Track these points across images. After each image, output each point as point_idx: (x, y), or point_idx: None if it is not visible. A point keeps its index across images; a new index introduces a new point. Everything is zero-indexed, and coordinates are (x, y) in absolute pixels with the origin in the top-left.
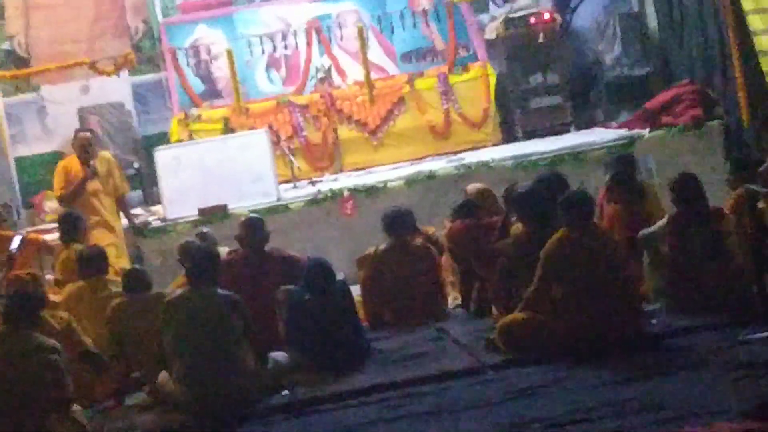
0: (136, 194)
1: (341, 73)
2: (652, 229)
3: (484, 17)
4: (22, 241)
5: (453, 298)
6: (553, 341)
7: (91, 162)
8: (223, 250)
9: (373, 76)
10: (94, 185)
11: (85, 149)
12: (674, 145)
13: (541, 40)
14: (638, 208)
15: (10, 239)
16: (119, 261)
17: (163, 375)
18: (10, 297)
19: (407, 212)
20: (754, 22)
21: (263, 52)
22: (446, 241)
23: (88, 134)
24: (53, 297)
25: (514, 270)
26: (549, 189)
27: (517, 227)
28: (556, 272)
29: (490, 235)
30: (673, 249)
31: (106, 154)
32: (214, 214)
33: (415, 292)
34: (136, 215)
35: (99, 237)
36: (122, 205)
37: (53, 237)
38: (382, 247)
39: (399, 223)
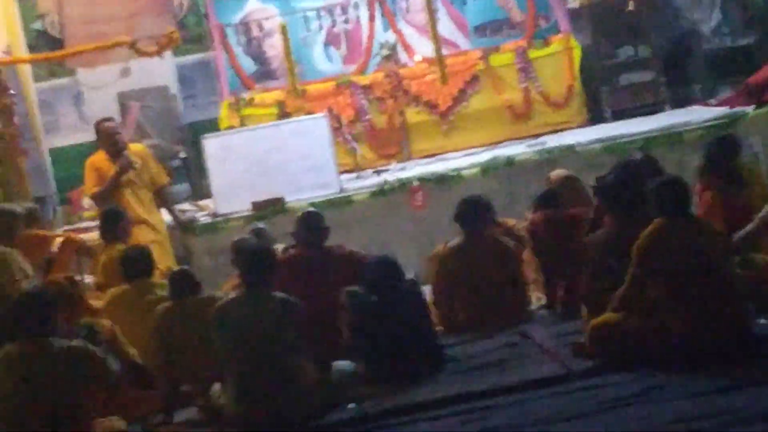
0: (183, 188)
1: (408, 49)
2: (749, 228)
3: None
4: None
5: (536, 298)
6: (649, 345)
7: (124, 152)
8: (280, 248)
9: (444, 52)
10: (129, 178)
11: (113, 140)
12: None
13: (630, 8)
14: (738, 195)
15: (45, 239)
16: (163, 261)
17: (215, 388)
18: (17, 302)
19: (484, 203)
20: None
21: (321, 27)
22: (528, 234)
23: (113, 123)
24: (94, 303)
25: (604, 266)
26: (638, 174)
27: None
28: (651, 269)
29: (577, 227)
30: None
31: (137, 146)
32: (270, 208)
33: (493, 292)
34: (183, 211)
35: (140, 235)
36: (163, 199)
37: (92, 236)
38: (456, 242)
39: (475, 215)
